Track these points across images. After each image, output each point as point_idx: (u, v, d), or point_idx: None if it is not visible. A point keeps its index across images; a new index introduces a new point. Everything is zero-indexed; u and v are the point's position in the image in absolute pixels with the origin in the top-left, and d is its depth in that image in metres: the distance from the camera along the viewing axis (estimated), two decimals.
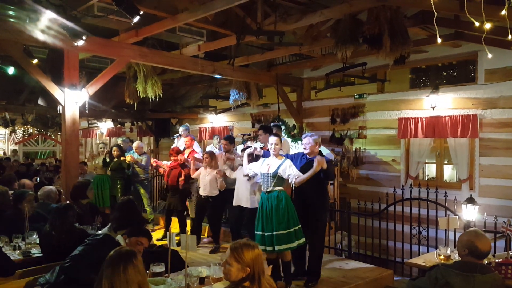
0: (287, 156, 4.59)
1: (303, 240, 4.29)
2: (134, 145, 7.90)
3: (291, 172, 4.22)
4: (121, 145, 7.76)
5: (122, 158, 7.27)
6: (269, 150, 4.41)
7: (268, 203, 4.26)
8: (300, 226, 4.29)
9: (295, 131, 8.66)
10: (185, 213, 6.85)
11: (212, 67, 7.38)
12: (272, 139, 4.35)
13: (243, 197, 5.57)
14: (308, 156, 4.51)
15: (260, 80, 8.59)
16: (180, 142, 7.62)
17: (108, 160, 7.43)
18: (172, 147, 7.20)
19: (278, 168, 4.25)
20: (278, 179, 4.26)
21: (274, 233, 4.16)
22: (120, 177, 7.40)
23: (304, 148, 4.51)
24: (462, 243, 2.67)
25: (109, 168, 7.40)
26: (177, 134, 7.84)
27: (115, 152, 7.34)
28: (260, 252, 2.30)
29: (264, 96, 9.73)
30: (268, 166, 4.34)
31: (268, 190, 4.29)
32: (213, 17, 5.93)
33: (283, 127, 7.61)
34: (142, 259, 2.23)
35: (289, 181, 4.26)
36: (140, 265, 2.16)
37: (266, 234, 4.22)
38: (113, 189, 7.38)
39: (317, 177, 4.31)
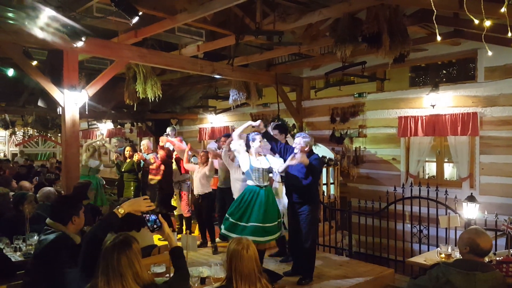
0: (282, 145, 4.73)
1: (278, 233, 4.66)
2: (143, 143, 7.85)
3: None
4: (134, 146, 7.69)
5: (134, 158, 7.12)
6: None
7: (263, 196, 4.54)
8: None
9: (295, 131, 8.67)
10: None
11: (212, 67, 7.38)
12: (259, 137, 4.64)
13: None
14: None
15: (260, 79, 8.59)
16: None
17: (119, 163, 7.38)
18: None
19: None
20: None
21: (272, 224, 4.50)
22: (134, 179, 7.24)
23: (295, 147, 4.54)
24: (463, 241, 2.67)
25: (123, 170, 7.34)
26: (166, 133, 7.84)
27: (128, 153, 7.28)
28: (236, 248, 2.29)
29: (263, 95, 9.74)
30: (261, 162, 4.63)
31: (264, 185, 4.60)
32: (212, 17, 5.93)
33: None
34: (138, 249, 2.16)
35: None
36: (133, 256, 2.10)
37: (267, 225, 4.48)
38: (126, 191, 7.30)
39: (305, 176, 4.48)
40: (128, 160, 7.22)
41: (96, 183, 7.25)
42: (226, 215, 4.62)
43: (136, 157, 7.02)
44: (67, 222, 2.86)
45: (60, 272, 2.64)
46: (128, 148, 7.32)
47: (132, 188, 7.20)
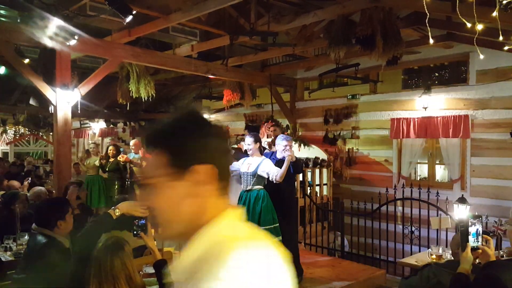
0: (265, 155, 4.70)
1: (279, 238, 4.48)
2: (132, 143, 7.79)
3: (271, 170, 4.35)
4: (117, 144, 7.64)
5: (118, 158, 7.14)
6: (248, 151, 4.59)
7: (247, 201, 4.44)
8: (278, 224, 4.46)
9: (289, 132, 8.69)
10: None
11: (206, 67, 7.36)
12: (248, 140, 4.54)
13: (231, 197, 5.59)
14: (277, 157, 4.65)
15: (254, 80, 8.59)
16: None
17: (103, 163, 7.32)
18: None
19: (257, 167, 4.41)
20: (257, 178, 4.42)
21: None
22: (118, 178, 7.22)
23: (283, 150, 4.55)
24: (455, 242, 2.69)
25: (107, 169, 7.29)
26: None
27: (112, 152, 7.23)
28: None
29: (257, 96, 9.74)
30: (248, 165, 4.49)
31: (247, 189, 4.48)
32: (206, 17, 5.92)
33: None
34: (130, 251, 2.17)
35: (270, 178, 4.38)
36: (127, 258, 2.10)
37: None
38: (110, 190, 7.25)
39: (288, 173, 4.47)
40: (112, 159, 7.18)
41: (87, 183, 7.18)
42: None
43: (122, 159, 6.97)
44: (52, 228, 2.78)
45: (48, 275, 2.62)
46: (111, 148, 7.28)
47: (116, 187, 7.16)
